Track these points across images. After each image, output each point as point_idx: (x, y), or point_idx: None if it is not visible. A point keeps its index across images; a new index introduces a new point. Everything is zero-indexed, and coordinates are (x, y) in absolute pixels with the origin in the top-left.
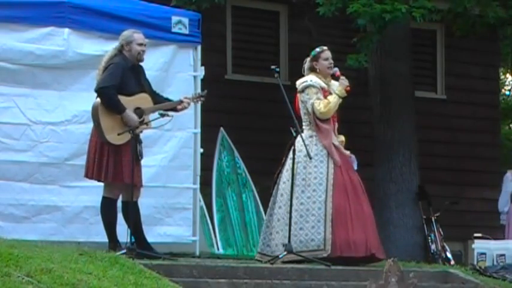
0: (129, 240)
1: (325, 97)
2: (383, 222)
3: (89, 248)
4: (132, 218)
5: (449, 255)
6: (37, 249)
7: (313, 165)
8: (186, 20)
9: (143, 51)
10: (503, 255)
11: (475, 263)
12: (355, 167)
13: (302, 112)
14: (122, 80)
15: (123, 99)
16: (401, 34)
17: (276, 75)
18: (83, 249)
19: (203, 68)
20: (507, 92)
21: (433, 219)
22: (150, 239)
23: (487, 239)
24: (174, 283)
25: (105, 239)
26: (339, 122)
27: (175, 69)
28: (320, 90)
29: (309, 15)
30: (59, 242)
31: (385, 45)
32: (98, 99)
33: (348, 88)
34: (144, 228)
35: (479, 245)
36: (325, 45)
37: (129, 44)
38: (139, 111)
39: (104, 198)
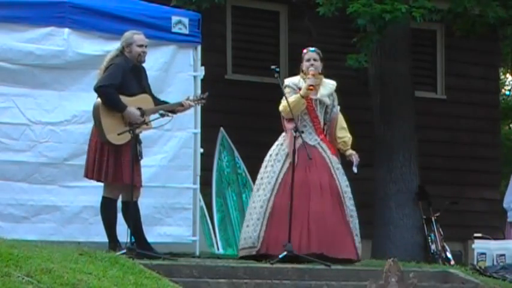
0: (129, 240)
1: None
2: (383, 222)
3: (89, 248)
4: (132, 218)
5: (449, 255)
6: (37, 249)
7: (270, 165)
8: (186, 20)
9: (144, 52)
10: (503, 255)
11: (475, 263)
12: (355, 170)
13: None
14: (122, 81)
15: (124, 99)
16: (401, 34)
17: (276, 75)
18: (83, 249)
19: (203, 68)
20: (507, 92)
21: (433, 219)
22: (150, 239)
23: (487, 239)
24: (174, 283)
25: (105, 239)
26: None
27: (175, 69)
28: (295, 90)
29: (309, 15)
30: (58, 242)
31: (385, 45)
32: (99, 99)
33: (311, 88)
34: (144, 228)
35: (479, 245)
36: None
37: (129, 46)
38: (140, 112)
39: (103, 198)
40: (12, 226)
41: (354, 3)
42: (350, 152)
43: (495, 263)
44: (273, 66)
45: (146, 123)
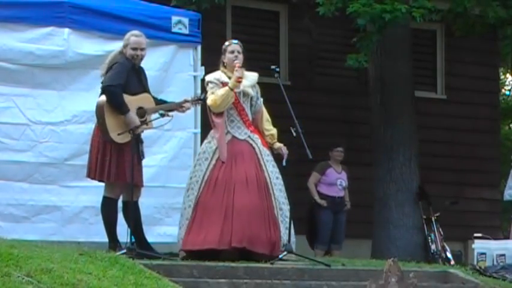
0: (129, 240)
1: None
2: (383, 222)
3: (89, 248)
4: (132, 217)
5: (449, 255)
6: (37, 249)
7: (198, 164)
8: (186, 20)
9: (137, 55)
10: (503, 255)
11: (475, 263)
12: (284, 162)
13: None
14: (126, 80)
15: (126, 98)
16: (401, 34)
17: (276, 75)
18: (83, 249)
19: (203, 68)
20: (507, 92)
21: (433, 219)
22: (150, 239)
23: (487, 239)
24: (174, 283)
25: (105, 239)
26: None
27: (175, 69)
28: (218, 85)
29: (309, 15)
30: (58, 242)
31: (385, 45)
32: (103, 98)
33: (240, 80)
34: (144, 228)
35: (479, 245)
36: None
37: (125, 47)
38: (141, 111)
39: (104, 198)
40: (12, 226)
41: (354, 3)
42: (278, 144)
43: (495, 263)
44: (273, 66)
45: (147, 123)
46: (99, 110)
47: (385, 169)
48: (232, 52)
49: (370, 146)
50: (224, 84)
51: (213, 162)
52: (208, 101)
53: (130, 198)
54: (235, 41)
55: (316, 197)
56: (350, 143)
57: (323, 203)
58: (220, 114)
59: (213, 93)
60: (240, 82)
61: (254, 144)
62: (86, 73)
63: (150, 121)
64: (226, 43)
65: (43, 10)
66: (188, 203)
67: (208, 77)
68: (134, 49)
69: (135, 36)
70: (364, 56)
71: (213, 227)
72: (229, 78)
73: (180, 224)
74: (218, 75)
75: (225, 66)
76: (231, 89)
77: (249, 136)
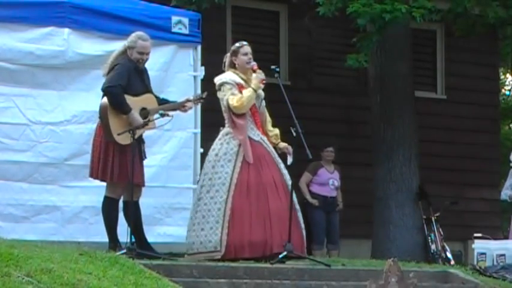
0: (129, 240)
1: (241, 92)
2: (383, 222)
3: (89, 248)
4: (132, 217)
5: (449, 255)
6: (37, 249)
7: (220, 165)
8: (186, 20)
9: (142, 60)
10: (503, 255)
11: (475, 263)
12: (289, 161)
13: (222, 110)
14: (128, 81)
15: (129, 99)
16: (402, 34)
17: (276, 75)
18: (83, 249)
19: (203, 68)
20: (507, 92)
21: (433, 219)
22: (150, 239)
23: (487, 239)
24: (174, 283)
25: (105, 239)
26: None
27: (175, 69)
28: (235, 86)
29: (309, 15)
30: (58, 242)
31: (385, 45)
32: (106, 99)
33: (264, 81)
34: (144, 228)
35: (479, 245)
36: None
37: (131, 49)
38: (145, 112)
39: (106, 197)
40: (12, 226)
41: (354, 3)
42: (283, 144)
43: (495, 263)
44: (273, 66)
45: (148, 123)
46: (103, 111)
47: (385, 169)
48: (246, 54)
49: (370, 146)
50: (239, 85)
51: (238, 164)
52: (233, 102)
53: (131, 198)
54: (246, 42)
55: (308, 197)
56: (350, 143)
57: (315, 202)
58: (242, 116)
59: (233, 94)
60: (264, 84)
61: (266, 146)
62: (86, 73)
63: (154, 120)
64: (237, 44)
65: (43, 10)
66: (215, 205)
67: (222, 78)
68: (141, 53)
69: (142, 40)
70: (364, 56)
71: (255, 235)
72: (242, 79)
73: (200, 225)
74: (232, 76)
75: (235, 68)
76: (255, 91)
77: (261, 138)
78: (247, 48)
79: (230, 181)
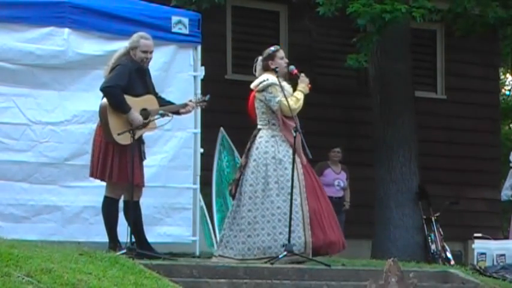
0: (129, 240)
1: None
2: (383, 222)
3: (89, 248)
4: (132, 217)
5: (449, 255)
6: (37, 249)
7: (283, 167)
8: (186, 20)
9: (147, 58)
10: (503, 255)
11: (475, 263)
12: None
13: (260, 111)
14: (128, 81)
15: (130, 100)
16: (402, 34)
17: (276, 75)
18: (83, 249)
19: (203, 68)
20: (507, 92)
21: (433, 219)
22: (150, 239)
23: (487, 239)
24: (174, 283)
25: (105, 239)
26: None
27: (175, 69)
28: (279, 90)
29: (309, 15)
30: (58, 242)
31: (385, 45)
32: (105, 99)
33: (310, 85)
34: (144, 228)
35: (479, 245)
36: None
37: (134, 49)
38: (145, 113)
39: (106, 197)
40: (12, 226)
41: (354, 3)
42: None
43: (495, 263)
44: (272, 67)
45: (148, 124)
46: (103, 112)
47: (385, 169)
48: (283, 58)
49: (370, 146)
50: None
51: (300, 166)
52: (293, 104)
53: (131, 198)
54: (279, 47)
55: None
56: (350, 143)
57: None
58: (291, 117)
59: (285, 96)
60: (310, 88)
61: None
62: (86, 73)
63: (153, 120)
64: (273, 48)
65: (43, 10)
66: (294, 207)
67: (268, 80)
68: (144, 52)
69: (145, 39)
70: (364, 56)
71: (332, 234)
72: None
73: (283, 227)
74: (275, 80)
75: (273, 71)
76: (304, 94)
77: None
78: (282, 52)
79: (299, 183)
